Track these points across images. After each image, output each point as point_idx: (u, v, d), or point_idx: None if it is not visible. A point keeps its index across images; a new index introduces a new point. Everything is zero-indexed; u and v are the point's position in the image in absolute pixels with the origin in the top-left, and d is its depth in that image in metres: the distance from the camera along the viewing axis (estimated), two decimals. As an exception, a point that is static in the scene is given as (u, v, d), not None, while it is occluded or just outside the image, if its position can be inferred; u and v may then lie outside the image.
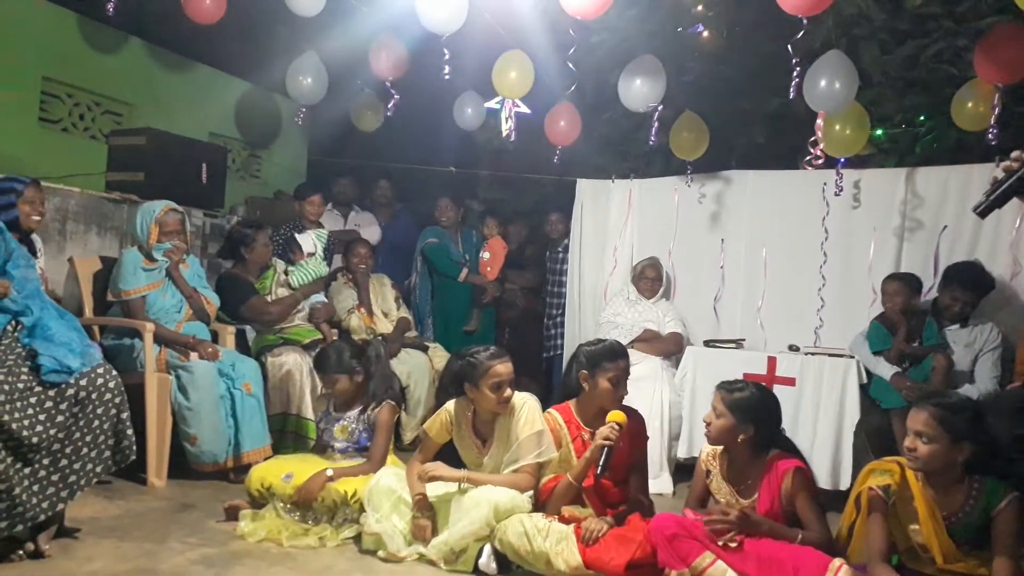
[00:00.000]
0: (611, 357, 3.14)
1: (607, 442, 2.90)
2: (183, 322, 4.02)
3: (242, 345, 4.40)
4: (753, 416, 2.81)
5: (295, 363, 4.27)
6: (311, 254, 4.82)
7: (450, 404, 3.25)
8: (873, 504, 2.60)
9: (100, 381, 2.82)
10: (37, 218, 3.59)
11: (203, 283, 4.24)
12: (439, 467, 3.11)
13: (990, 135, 3.95)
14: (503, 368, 3.09)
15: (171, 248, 4.04)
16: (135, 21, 5.03)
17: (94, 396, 2.79)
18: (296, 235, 4.93)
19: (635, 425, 3.18)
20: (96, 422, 2.80)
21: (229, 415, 3.84)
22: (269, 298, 4.58)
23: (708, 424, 2.88)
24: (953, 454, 2.48)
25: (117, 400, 2.86)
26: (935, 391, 2.90)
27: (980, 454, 2.49)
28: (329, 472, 3.20)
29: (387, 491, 3.11)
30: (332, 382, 3.51)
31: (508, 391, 3.10)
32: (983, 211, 1.70)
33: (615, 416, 2.99)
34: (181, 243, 4.11)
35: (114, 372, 2.91)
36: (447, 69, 4.19)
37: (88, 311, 4.01)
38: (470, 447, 3.22)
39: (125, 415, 2.90)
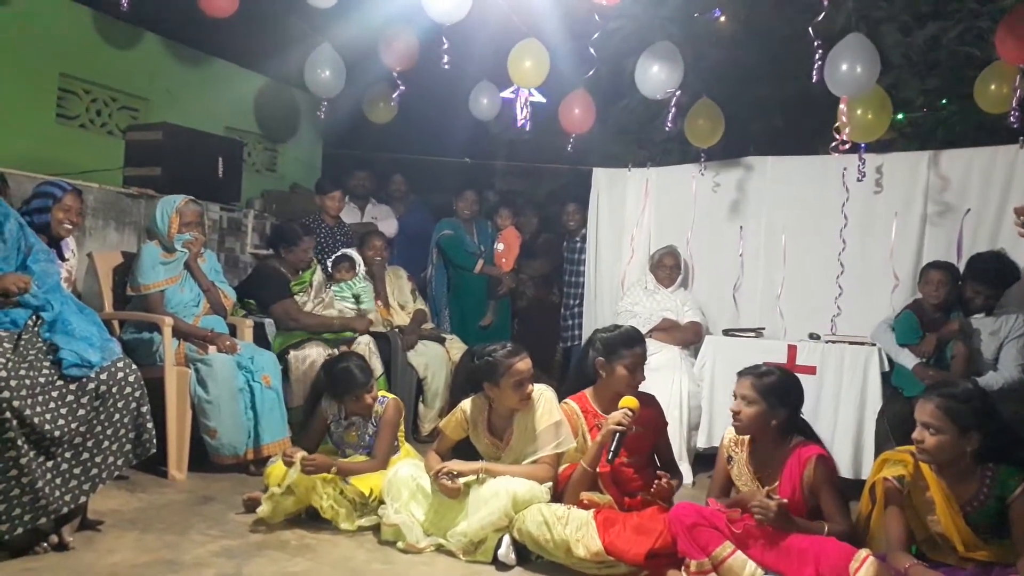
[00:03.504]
0: (628, 344, 3.13)
1: (619, 427, 2.89)
2: (201, 316, 4.05)
3: (260, 338, 4.42)
4: (784, 399, 2.79)
5: (319, 356, 4.29)
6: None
7: (466, 403, 3.24)
8: (889, 495, 2.59)
9: (120, 375, 2.84)
10: (68, 226, 3.57)
11: (220, 277, 4.27)
12: (455, 464, 3.10)
13: (1012, 117, 3.88)
14: (523, 365, 3.08)
15: (191, 239, 4.06)
16: (150, 16, 5.04)
17: (114, 390, 2.81)
18: (348, 252, 4.95)
19: (652, 411, 3.17)
20: (117, 416, 2.82)
21: (248, 408, 3.86)
22: (303, 297, 4.58)
23: (737, 413, 2.83)
24: (961, 444, 2.45)
25: (137, 394, 2.88)
26: (942, 381, 2.85)
27: (990, 443, 2.46)
28: (334, 468, 3.18)
29: (406, 480, 3.11)
30: (358, 398, 3.41)
31: (529, 387, 3.10)
32: None
33: (627, 402, 2.98)
34: (200, 234, 4.14)
35: (134, 366, 2.93)
36: (446, 59, 4.17)
37: (108, 306, 4.04)
38: (487, 445, 3.22)
39: (145, 408, 2.92)
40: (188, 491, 3.55)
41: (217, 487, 3.62)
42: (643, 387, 3.22)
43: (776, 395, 2.78)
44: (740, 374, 2.89)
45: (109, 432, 2.80)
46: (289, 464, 3.17)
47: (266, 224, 5.34)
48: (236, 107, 5.90)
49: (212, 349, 3.91)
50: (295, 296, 4.56)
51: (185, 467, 3.77)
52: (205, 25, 4.87)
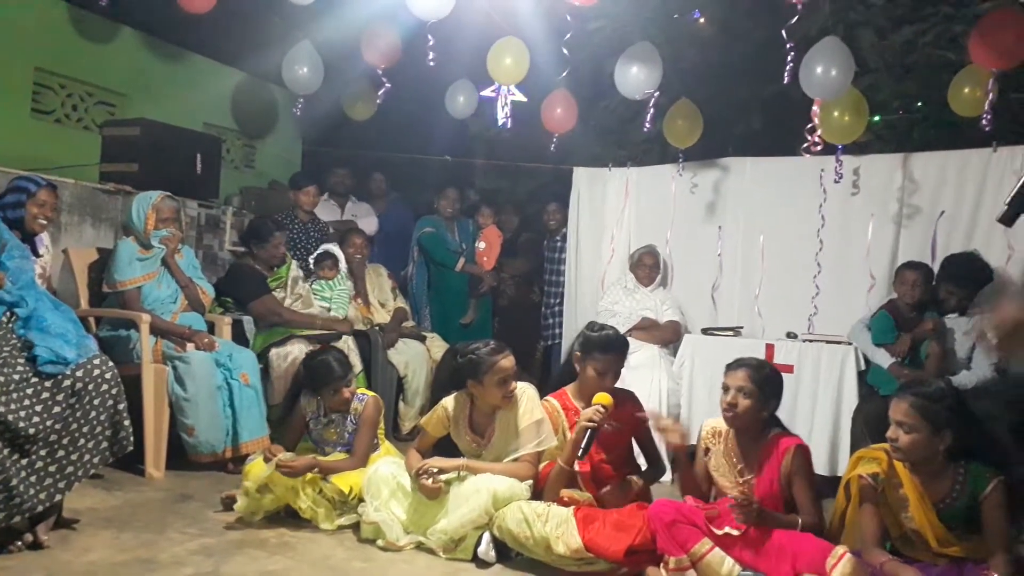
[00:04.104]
0: (603, 348, 3.14)
1: (590, 424, 2.90)
2: (179, 312, 4.01)
3: (239, 335, 4.39)
4: (773, 392, 2.83)
5: (301, 353, 4.24)
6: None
7: (447, 400, 3.24)
8: (864, 492, 2.62)
9: (96, 372, 2.81)
10: (43, 221, 3.52)
11: (198, 273, 4.23)
12: (436, 461, 3.11)
13: (985, 120, 3.94)
14: (507, 363, 3.09)
15: (168, 235, 4.03)
16: (128, 11, 4.99)
17: (91, 387, 2.78)
18: (331, 249, 4.92)
19: (629, 408, 3.18)
20: (93, 413, 2.79)
21: (227, 405, 3.83)
22: (280, 293, 4.56)
23: (734, 406, 2.81)
24: (934, 443, 2.49)
25: (114, 391, 2.85)
26: (916, 380, 2.90)
27: (962, 441, 2.50)
28: (314, 468, 3.16)
29: (386, 478, 3.11)
30: (336, 392, 3.40)
31: (512, 385, 3.12)
32: (1007, 219, 1.67)
33: (601, 398, 2.98)
34: (177, 230, 4.11)
35: (111, 363, 2.90)
36: (431, 55, 4.17)
37: (83, 303, 3.99)
38: (468, 442, 3.22)
39: (122, 406, 2.89)
40: (166, 489, 3.52)
41: (195, 485, 3.59)
42: (623, 385, 3.24)
43: (770, 387, 2.82)
44: (733, 366, 2.89)
45: (85, 430, 2.77)
46: (268, 461, 3.15)
47: (244, 221, 5.30)
48: (214, 103, 5.85)
49: (190, 346, 3.87)
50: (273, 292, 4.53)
51: (163, 465, 3.73)
52: (183, 20, 4.83)
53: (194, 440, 3.73)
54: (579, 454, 2.92)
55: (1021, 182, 1.65)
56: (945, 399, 2.51)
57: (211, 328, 4.19)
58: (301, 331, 4.43)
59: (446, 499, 3.03)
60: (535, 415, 3.11)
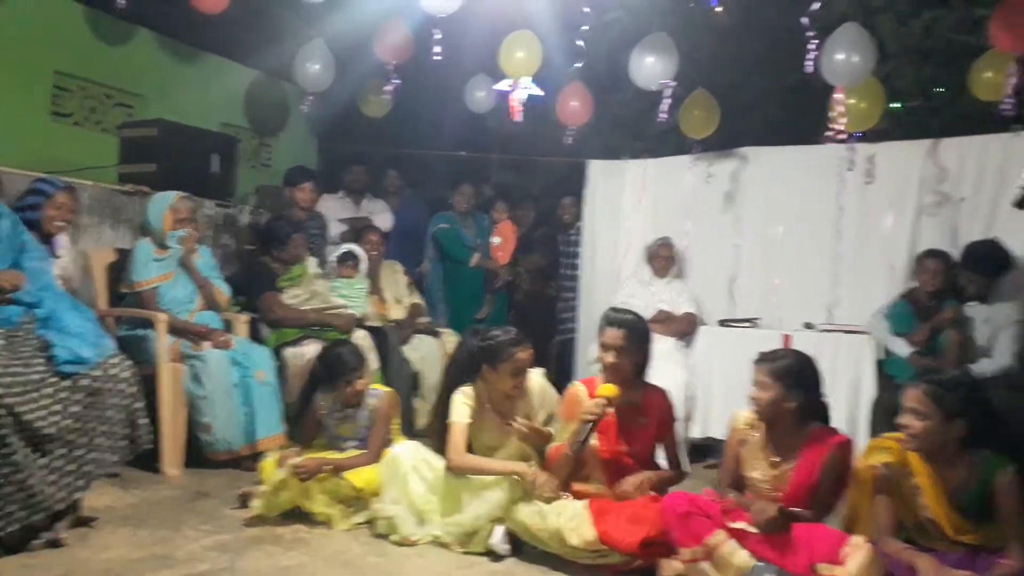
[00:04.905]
0: (604, 323, 3.09)
1: (591, 417, 2.87)
2: (195, 312, 4.06)
3: (255, 334, 4.43)
4: (800, 382, 2.76)
5: (315, 353, 4.26)
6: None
7: (467, 389, 3.21)
8: (878, 482, 2.60)
9: (114, 371, 2.85)
10: (61, 224, 3.58)
11: (215, 273, 4.27)
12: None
13: (1005, 105, 3.87)
14: (524, 355, 3.11)
15: (185, 235, 4.07)
16: (143, 12, 5.03)
17: (108, 386, 2.82)
18: (354, 250, 4.93)
19: (660, 403, 3.12)
20: (111, 412, 2.82)
21: (243, 403, 3.86)
22: (296, 290, 4.58)
23: (756, 400, 2.80)
24: (947, 431, 2.46)
25: (132, 390, 2.89)
26: (930, 368, 2.86)
27: (976, 429, 2.47)
28: (326, 468, 3.18)
29: (408, 452, 3.14)
30: (349, 383, 3.43)
31: (525, 377, 3.14)
32: (1021, 203, 1.63)
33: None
34: (194, 230, 4.16)
35: (128, 362, 2.94)
36: (438, 50, 4.16)
37: (102, 303, 4.04)
38: (492, 428, 3.20)
39: (140, 405, 2.93)
40: (182, 487, 3.56)
41: (212, 483, 3.63)
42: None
43: (790, 377, 2.74)
44: (756, 361, 2.85)
45: (103, 429, 2.81)
46: (281, 466, 3.17)
47: (261, 219, 5.34)
48: (230, 102, 5.88)
49: (206, 345, 3.91)
50: (285, 291, 4.56)
51: (180, 463, 3.78)
52: (197, 20, 4.86)
53: (211, 438, 3.77)
54: (576, 448, 2.90)
55: None
56: (960, 387, 2.48)
57: (228, 326, 4.22)
58: (314, 335, 4.45)
59: (459, 493, 3.04)
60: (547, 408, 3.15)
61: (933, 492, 2.51)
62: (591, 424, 2.88)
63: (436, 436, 3.26)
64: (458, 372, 3.28)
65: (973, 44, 4.41)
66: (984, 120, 4.36)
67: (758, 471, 2.84)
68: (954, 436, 2.47)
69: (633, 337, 3.05)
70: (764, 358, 2.83)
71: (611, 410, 2.96)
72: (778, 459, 2.80)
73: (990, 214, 4.32)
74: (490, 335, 3.16)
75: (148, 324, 3.86)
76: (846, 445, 2.73)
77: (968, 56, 4.36)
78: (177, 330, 3.92)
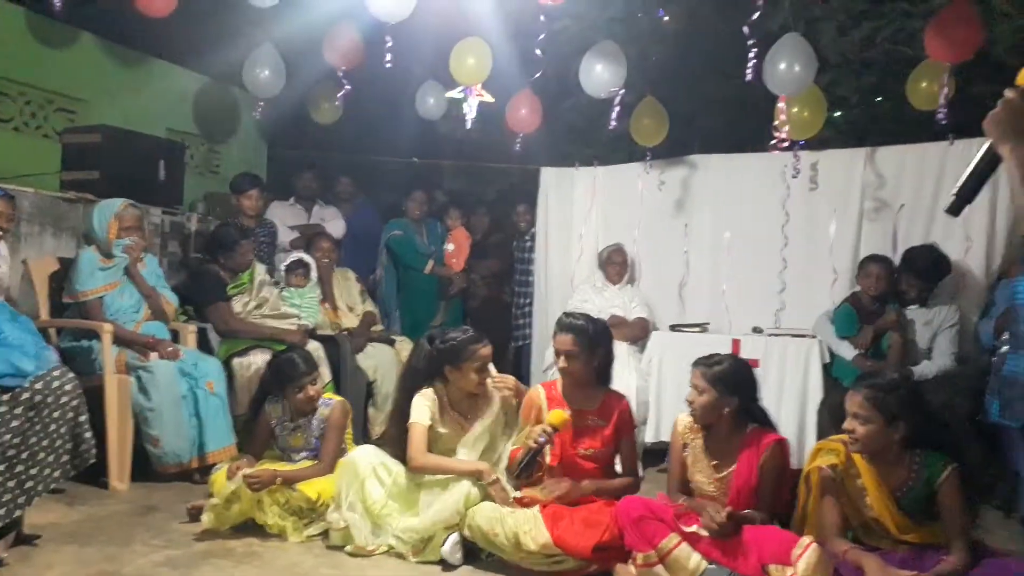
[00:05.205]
0: (556, 329, 3.12)
1: (534, 445, 2.87)
2: (142, 322, 3.98)
3: (203, 344, 4.35)
4: (734, 387, 2.83)
5: (263, 363, 4.21)
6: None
7: (427, 391, 3.22)
8: (824, 484, 2.66)
9: (56, 384, 2.78)
10: None
11: (162, 282, 4.19)
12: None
13: (939, 114, 4.01)
14: (485, 351, 3.17)
15: (131, 244, 3.99)
16: (86, 16, 4.92)
17: (50, 400, 2.74)
18: (303, 257, 4.87)
19: (620, 409, 3.14)
20: (53, 426, 2.75)
21: (192, 415, 3.80)
22: (244, 298, 4.51)
23: (691, 403, 2.87)
24: (889, 433, 2.55)
25: (74, 403, 2.82)
26: (870, 372, 2.95)
27: (916, 430, 2.55)
28: (279, 479, 3.13)
29: (366, 456, 3.12)
30: (301, 388, 3.37)
31: (488, 373, 3.19)
32: (954, 209, 1.69)
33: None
34: (140, 239, 4.07)
35: (71, 375, 2.86)
36: (389, 57, 4.15)
37: (44, 313, 3.94)
38: (453, 426, 3.21)
39: (83, 418, 2.85)
40: (130, 501, 3.48)
41: (160, 496, 3.56)
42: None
43: (725, 383, 2.82)
44: (693, 364, 2.92)
45: (45, 443, 2.73)
46: (231, 478, 3.12)
47: (209, 227, 5.25)
48: (177, 108, 5.78)
49: (154, 356, 3.84)
50: (233, 299, 4.49)
51: (127, 477, 3.69)
52: (143, 25, 4.77)
53: (159, 451, 3.69)
54: (517, 474, 2.91)
55: (967, 173, 1.68)
56: (898, 390, 2.56)
57: (175, 337, 4.15)
58: (263, 344, 4.39)
59: (415, 498, 3.04)
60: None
61: (877, 492, 2.59)
62: (535, 450, 2.88)
63: (395, 441, 3.25)
64: (417, 376, 3.28)
65: (910, 54, 4.56)
66: (922, 128, 4.51)
67: (702, 474, 2.90)
68: (896, 438, 2.55)
69: (584, 341, 3.08)
70: (701, 362, 2.90)
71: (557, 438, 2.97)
72: (718, 463, 2.86)
73: (928, 220, 4.47)
74: (449, 336, 3.21)
75: (93, 335, 3.77)
76: (779, 444, 2.79)
77: (906, 66, 4.50)
78: (123, 341, 3.84)
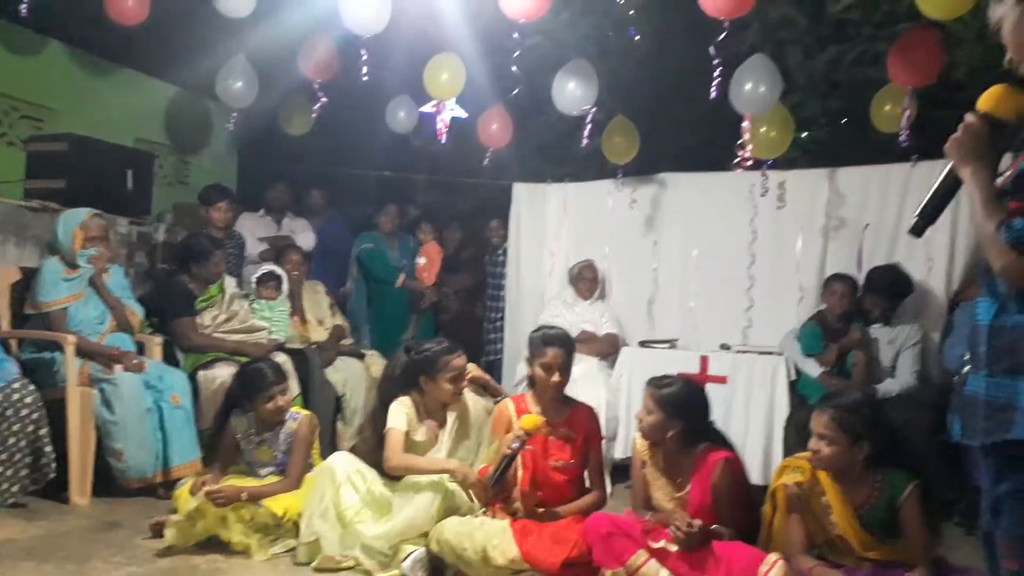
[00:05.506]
0: (544, 343, 3.13)
1: (508, 451, 2.88)
2: (106, 334, 3.91)
3: (170, 356, 4.29)
4: (680, 411, 2.83)
5: (229, 376, 4.15)
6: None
7: (404, 399, 3.22)
8: (789, 501, 2.70)
9: (16, 397, 2.74)
10: None
11: (127, 293, 4.14)
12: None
13: (902, 136, 4.10)
14: (460, 361, 3.20)
15: (96, 254, 3.93)
16: (55, 23, 4.86)
17: (9, 413, 2.71)
18: (275, 270, 4.81)
19: (589, 422, 3.16)
20: (12, 440, 2.71)
21: (157, 428, 3.74)
22: (214, 311, 4.46)
23: (640, 421, 2.91)
24: (853, 453, 2.58)
25: (35, 416, 2.78)
26: (835, 392, 3.00)
27: (879, 450, 2.59)
28: (244, 495, 3.09)
29: (342, 463, 3.10)
30: (270, 399, 3.33)
31: (463, 383, 3.23)
32: (917, 230, 1.73)
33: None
34: (106, 249, 4.02)
35: (31, 387, 2.83)
36: (365, 70, 4.16)
37: (5, 324, 3.87)
38: (429, 435, 3.22)
39: (43, 432, 2.81)
40: (91, 517, 3.41)
41: (123, 512, 3.49)
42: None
43: (671, 406, 2.82)
44: (646, 383, 2.94)
45: (4, 457, 2.70)
46: (195, 494, 3.07)
47: (177, 238, 5.20)
48: (147, 118, 5.73)
49: (118, 368, 3.77)
50: (203, 312, 4.44)
51: (88, 492, 3.62)
52: (114, 33, 4.73)
53: (122, 465, 3.62)
54: (492, 482, 2.91)
55: (929, 195, 1.72)
56: (862, 409, 2.60)
57: (141, 349, 4.09)
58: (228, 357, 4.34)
59: (387, 505, 3.03)
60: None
61: (841, 510, 2.62)
62: (510, 458, 2.88)
63: (370, 447, 3.24)
64: (393, 386, 3.29)
65: (875, 78, 4.66)
66: (887, 150, 4.61)
67: (661, 492, 2.93)
68: (860, 458, 2.58)
69: (570, 355, 3.16)
70: (652, 382, 2.91)
71: (530, 446, 2.96)
72: (675, 482, 2.89)
73: (892, 240, 4.56)
74: (424, 347, 3.24)
75: (55, 347, 3.70)
76: (727, 462, 2.77)
77: (870, 89, 4.60)
78: (87, 352, 3.77)
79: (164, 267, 4.98)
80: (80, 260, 3.90)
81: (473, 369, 3.42)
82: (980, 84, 1.67)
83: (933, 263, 4.39)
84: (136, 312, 4.10)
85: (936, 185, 1.70)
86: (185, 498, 3.10)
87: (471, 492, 2.99)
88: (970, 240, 4.28)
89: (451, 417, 3.27)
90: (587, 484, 3.24)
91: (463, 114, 5.09)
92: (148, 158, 5.15)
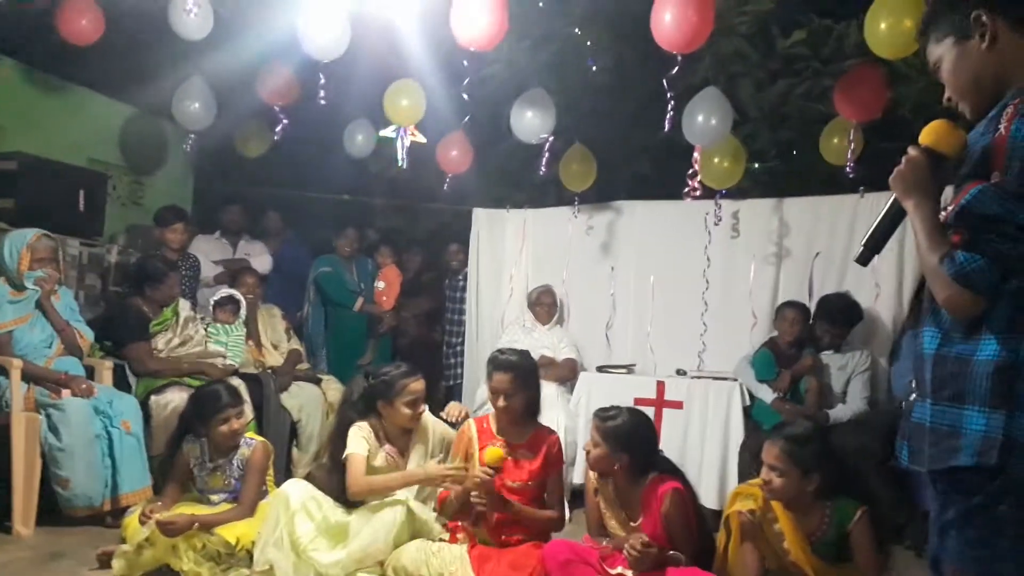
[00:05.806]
0: (490, 367, 3.13)
1: (476, 482, 2.89)
2: (54, 357, 3.82)
3: (121, 381, 4.20)
4: (626, 444, 2.82)
5: (181, 402, 4.07)
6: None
7: (363, 424, 3.19)
8: (743, 528, 2.72)
9: (-42, 423, 2.64)
10: None
11: (76, 316, 4.04)
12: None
13: (848, 168, 4.24)
14: (417, 386, 3.17)
15: (43, 276, 3.84)
16: (6, 40, 4.78)
17: (-49, 440, 2.61)
18: (233, 294, 4.75)
19: (550, 443, 3.15)
20: (-47, 468, 2.61)
21: (106, 455, 3.64)
22: (168, 335, 4.39)
23: (588, 452, 2.91)
24: (804, 484, 2.63)
25: (-23, 443, 2.69)
26: (786, 423, 3.04)
27: (829, 479, 2.64)
28: (195, 524, 3.02)
29: (297, 491, 3.03)
30: (225, 421, 3.28)
31: (422, 407, 3.20)
32: (863, 259, 1.77)
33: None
34: (54, 271, 3.92)
35: (-26, 413, 2.73)
36: (323, 94, 4.17)
37: (-53, 348, 3.74)
38: (388, 460, 3.18)
39: (-14, 459, 2.72)
40: (34, 547, 3.32)
41: (68, 542, 3.40)
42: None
43: (616, 439, 2.82)
44: (593, 415, 2.95)
45: (-56, 486, 2.59)
46: (144, 523, 3.00)
47: (131, 260, 5.11)
48: (101, 137, 5.64)
49: (66, 393, 3.68)
50: (157, 335, 4.36)
51: (32, 521, 3.52)
52: (68, 51, 4.65)
53: (69, 493, 3.52)
54: (450, 516, 2.94)
55: (873, 226, 1.76)
56: (812, 442, 2.66)
57: (91, 373, 3.99)
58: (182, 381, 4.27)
59: (347, 530, 2.99)
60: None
61: (794, 537, 2.66)
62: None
63: (328, 474, 3.20)
64: (351, 411, 3.26)
65: (823, 111, 4.81)
66: (836, 181, 4.75)
67: (615, 521, 2.93)
68: (810, 489, 2.63)
69: (520, 377, 3.10)
70: (597, 414, 2.92)
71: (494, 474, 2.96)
72: (627, 513, 2.90)
73: (842, 268, 4.68)
74: (382, 371, 3.22)
75: (0, 371, 3.59)
76: (676, 492, 2.75)
77: (819, 122, 4.74)
78: (33, 377, 3.68)
79: (116, 289, 4.89)
80: (27, 282, 3.81)
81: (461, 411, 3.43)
82: (925, 119, 1.72)
83: (880, 290, 4.52)
84: (86, 335, 4.00)
85: (880, 216, 1.73)
86: (134, 527, 3.02)
87: (447, 484, 3.01)
88: (916, 268, 4.41)
89: (415, 446, 3.23)
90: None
91: (422, 140, 5.11)
92: (101, 178, 5.08)
